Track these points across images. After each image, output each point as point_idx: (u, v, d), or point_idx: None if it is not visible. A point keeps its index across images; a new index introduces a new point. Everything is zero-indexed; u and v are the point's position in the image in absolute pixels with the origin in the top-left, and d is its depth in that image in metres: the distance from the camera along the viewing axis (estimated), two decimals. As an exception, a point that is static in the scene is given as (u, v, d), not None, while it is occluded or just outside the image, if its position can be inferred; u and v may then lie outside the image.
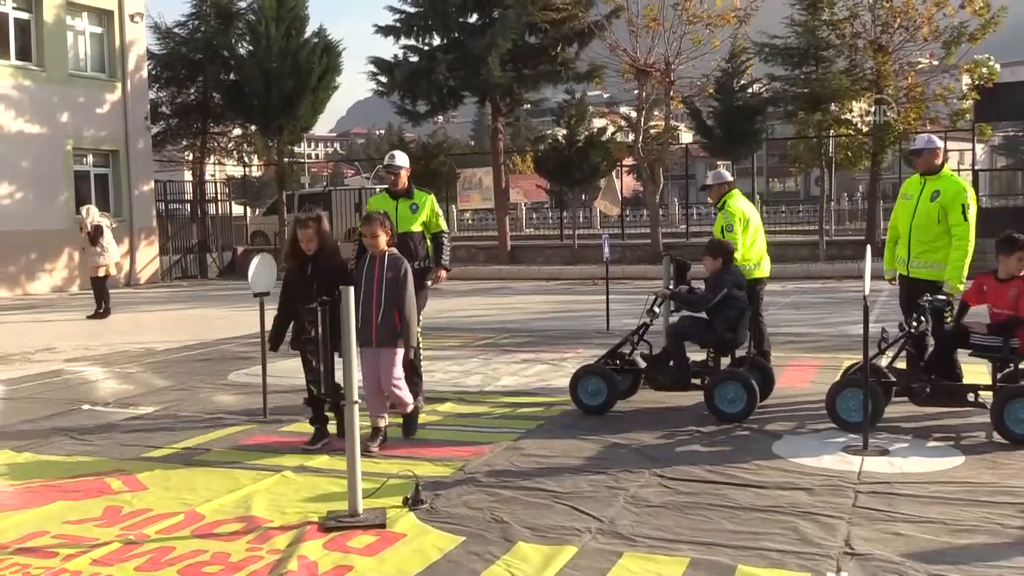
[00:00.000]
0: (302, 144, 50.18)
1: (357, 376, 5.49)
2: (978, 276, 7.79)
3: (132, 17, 27.02)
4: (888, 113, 24.06)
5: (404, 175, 8.41)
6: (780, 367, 9.42)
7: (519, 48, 28.29)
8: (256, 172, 36.35)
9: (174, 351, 12.77)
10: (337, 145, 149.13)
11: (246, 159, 34.58)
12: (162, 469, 6.61)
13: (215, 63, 29.67)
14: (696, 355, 8.39)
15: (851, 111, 25.59)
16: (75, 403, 9.22)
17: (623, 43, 26.09)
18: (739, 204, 9.07)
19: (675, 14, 24.88)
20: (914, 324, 7.44)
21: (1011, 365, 7.18)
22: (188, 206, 31.94)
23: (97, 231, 17.52)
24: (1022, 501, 5.44)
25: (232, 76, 29.64)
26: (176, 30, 30.27)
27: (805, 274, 23.22)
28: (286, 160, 30.86)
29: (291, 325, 7.15)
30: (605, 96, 51.63)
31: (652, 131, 27.41)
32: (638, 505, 5.54)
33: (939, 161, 8.04)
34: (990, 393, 7.12)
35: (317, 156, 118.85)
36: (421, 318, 8.25)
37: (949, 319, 7.66)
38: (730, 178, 9.34)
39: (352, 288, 5.50)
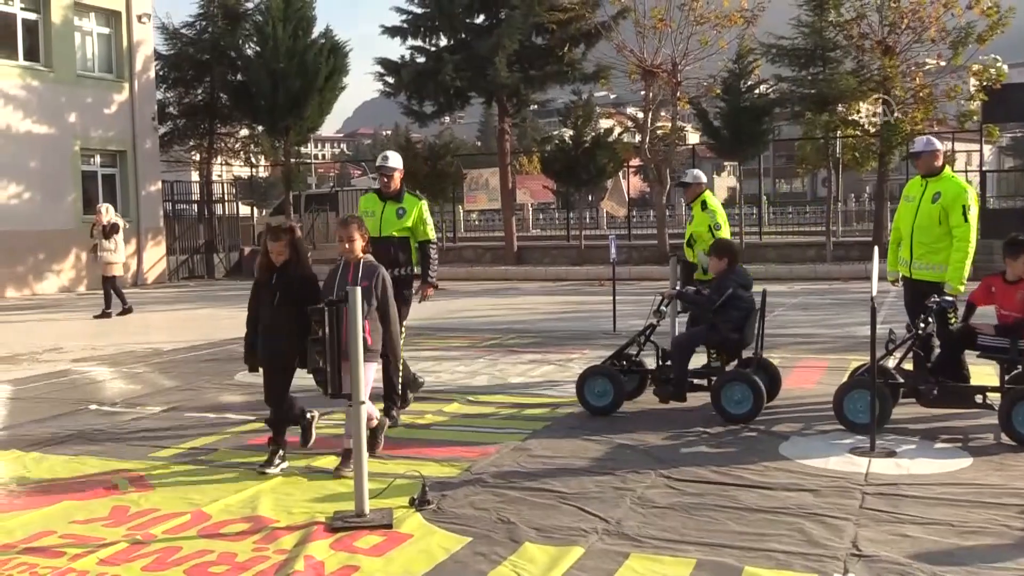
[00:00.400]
0: (309, 144, 50.15)
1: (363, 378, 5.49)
2: (986, 277, 7.78)
3: (139, 18, 27.08)
4: (895, 113, 24.01)
5: (397, 177, 8.16)
6: (787, 368, 9.41)
7: (526, 49, 28.29)
8: (263, 172, 36.35)
9: (181, 351, 12.79)
10: (344, 146, 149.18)
11: (253, 159, 34.63)
12: (169, 469, 6.62)
13: (222, 64, 29.74)
14: (697, 357, 8.39)
15: (858, 112, 25.54)
16: (82, 403, 9.24)
17: (630, 44, 26.11)
18: (718, 204, 9.60)
19: (682, 15, 24.88)
20: (921, 325, 7.43)
21: (1019, 367, 7.17)
22: (195, 206, 32.02)
23: (113, 228, 17.77)
24: (1030, 503, 5.42)
25: (239, 77, 29.70)
26: (183, 31, 30.35)
27: (812, 275, 23.21)
28: (293, 160, 30.91)
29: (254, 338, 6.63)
30: (612, 97, 51.54)
31: (659, 132, 27.41)
32: (644, 506, 5.53)
33: (939, 163, 8.02)
34: (998, 395, 7.10)
35: (324, 156, 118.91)
36: (403, 329, 8.03)
37: (954, 320, 7.64)
38: (706, 179, 9.90)
39: (360, 289, 5.49)
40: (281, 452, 6.56)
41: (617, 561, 4.70)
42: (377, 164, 8.25)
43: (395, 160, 8.17)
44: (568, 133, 28.90)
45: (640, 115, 27.96)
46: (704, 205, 9.56)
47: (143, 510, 5.71)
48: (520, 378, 10.08)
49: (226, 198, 33.27)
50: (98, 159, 26.48)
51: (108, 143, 26.37)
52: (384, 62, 29.26)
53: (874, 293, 6.59)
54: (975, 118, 24.82)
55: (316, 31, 28.87)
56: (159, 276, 27.61)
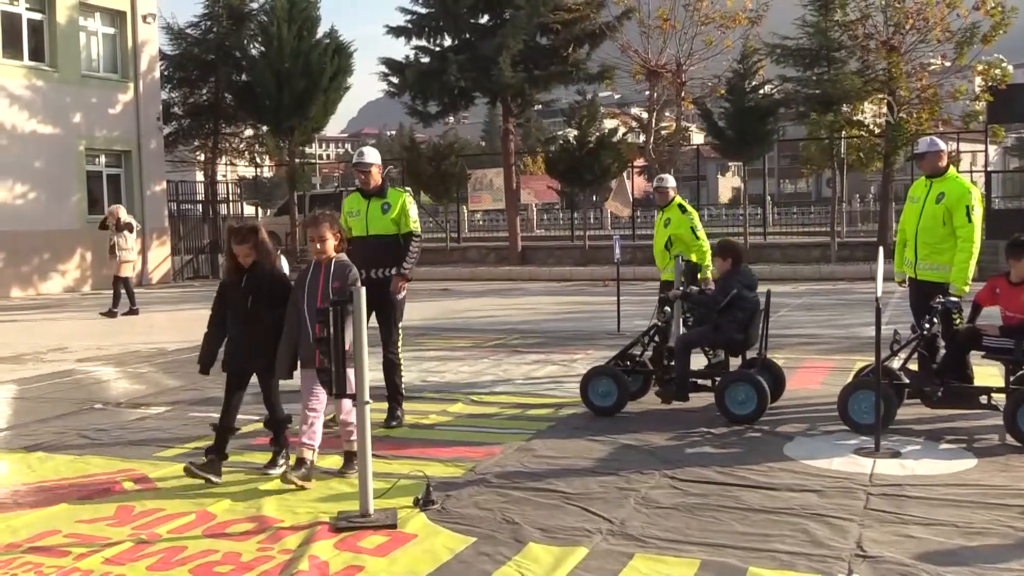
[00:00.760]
0: (313, 145, 50.28)
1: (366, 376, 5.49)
2: (991, 278, 7.78)
3: (144, 18, 27.12)
4: (900, 114, 23.99)
5: (375, 172, 7.82)
6: (791, 369, 9.41)
7: (530, 49, 28.30)
8: (267, 173, 36.43)
9: (185, 351, 12.79)
10: (348, 146, 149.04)
11: (258, 160, 34.67)
12: (173, 469, 6.63)
13: (227, 64, 29.76)
14: (697, 358, 8.39)
15: (863, 112, 25.51)
16: (87, 403, 9.26)
17: (634, 44, 26.10)
18: (691, 207, 10.13)
19: (687, 15, 24.86)
20: (926, 326, 7.43)
21: (1024, 368, 7.16)
22: (200, 206, 32.05)
23: (127, 227, 18.05)
24: (1034, 504, 5.42)
25: (244, 77, 29.74)
26: (188, 31, 30.36)
27: (817, 276, 23.20)
28: (297, 161, 30.91)
29: (224, 343, 6.41)
30: (616, 97, 51.56)
31: (663, 132, 27.41)
32: (649, 506, 5.53)
33: (943, 163, 8.01)
34: (1002, 396, 7.10)
35: (328, 157, 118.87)
36: (401, 331, 7.96)
37: (959, 321, 7.64)
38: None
39: (364, 288, 5.48)
40: (284, 451, 6.54)
41: (621, 561, 4.70)
42: (353, 162, 7.92)
43: (371, 155, 7.85)
44: (572, 133, 28.92)
45: (644, 115, 27.99)
46: (683, 208, 9.96)
47: (148, 510, 5.72)
48: (524, 378, 10.08)
49: (231, 198, 33.30)
50: (103, 159, 26.52)
51: (113, 143, 26.40)
52: (388, 62, 29.27)
53: (879, 294, 6.58)
54: (980, 118, 24.77)
55: (320, 31, 28.96)
56: (164, 276, 27.64)
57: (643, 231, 31.77)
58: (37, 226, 23.75)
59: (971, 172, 31.93)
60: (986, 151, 27.03)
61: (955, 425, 7.41)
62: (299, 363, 6.26)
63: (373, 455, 5.58)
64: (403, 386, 8.07)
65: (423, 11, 29.17)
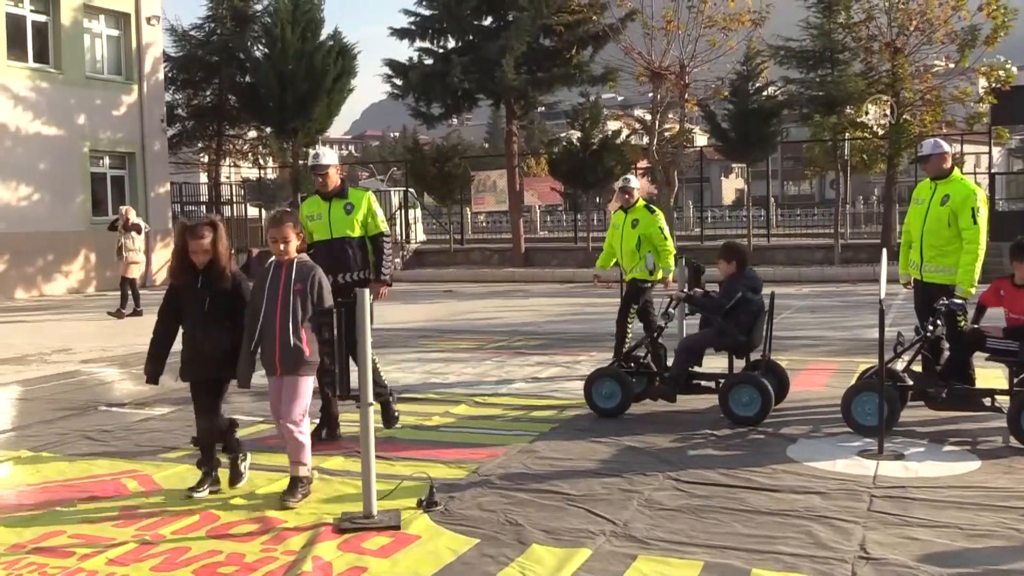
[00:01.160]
0: (317, 146, 50.31)
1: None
2: (995, 280, 7.77)
3: (149, 20, 27.15)
4: (903, 116, 23.98)
5: (333, 173, 7.51)
6: (795, 371, 9.40)
7: (533, 51, 28.33)
8: (271, 174, 36.40)
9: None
10: (352, 147, 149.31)
11: (261, 161, 34.69)
12: (177, 470, 6.64)
13: (231, 65, 29.82)
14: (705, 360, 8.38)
15: (867, 114, 25.50)
16: (91, 404, 9.27)
17: (638, 46, 26.11)
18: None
19: (690, 16, 24.87)
20: (930, 328, 7.42)
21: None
22: (203, 208, 32.06)
23: (134, 227, 18.15)
24: (1038, 506, 5.41)
25: (248, 79, 29.79)
26: (192, 33, 30.45)
27: (820, 277, 23.17)
28: (301, 162, 30.93)
29: (181, 349, 6.03)
30: (619, 99, 51.60)
31: (667, 134, 27.37)
32: (652, 508, 5.53)
33: (948, 165, 8.00)
34: (1006, 398, 7.09)
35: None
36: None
37: (963, 323, 7.63)
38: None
39: (367, 289, 5.49)
40: (213, 474, 6.07)
41: (625, 563, 4.70)
42: (310, 164, 7.65)
43: (328, 156, 7.56)
44: (576, 135, 28.90)
45: (648, 117, 27.94)
46: (650, 209, 10.10)
47: (152, 510, 5.72)
48: (527, 380, 10.08)
49: (234, 200, 33.32)
50: (107, 161, 26.55)
51: (117, 145, 26.43)
52: (392, 64, 29.33)
53: (882, 295, 6.58)
54: (984, 120, 24.76)
55: (324, 33, 28.98)
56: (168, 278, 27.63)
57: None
58: (41, 227, 23.78)
59: (975, 174, 31.93)
60: (990, 153, 27.01)
61: (959, 427, 7.40)
62: (264, 370, 5.89)
63: (376, 457, 5.58)
64: (391, 385, 8.04)
65: (427, 13, 29.22)
